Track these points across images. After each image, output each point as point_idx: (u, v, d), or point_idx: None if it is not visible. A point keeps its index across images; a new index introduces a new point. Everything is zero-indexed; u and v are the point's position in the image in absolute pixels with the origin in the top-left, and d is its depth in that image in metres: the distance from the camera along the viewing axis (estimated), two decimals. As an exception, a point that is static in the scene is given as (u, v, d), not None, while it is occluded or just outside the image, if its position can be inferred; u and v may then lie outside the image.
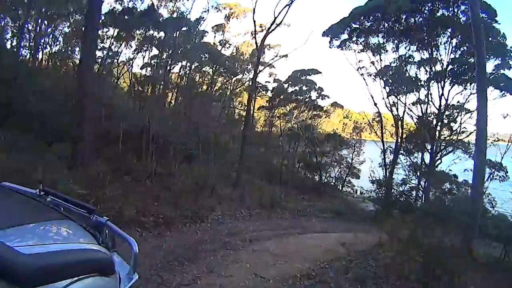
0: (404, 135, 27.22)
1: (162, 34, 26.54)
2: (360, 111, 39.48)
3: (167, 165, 19.29)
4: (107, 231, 3.20)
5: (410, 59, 26.87)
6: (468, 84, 24.50)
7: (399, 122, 27.52)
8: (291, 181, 32.21)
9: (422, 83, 26.33)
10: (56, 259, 2.27)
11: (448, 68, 25.05)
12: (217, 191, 18.73)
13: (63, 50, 28.92)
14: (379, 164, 28.08)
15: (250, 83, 34.43)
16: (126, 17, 25.08)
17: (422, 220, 16.16)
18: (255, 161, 32.43)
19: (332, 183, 35.85)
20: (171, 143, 19.45)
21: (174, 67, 29.12)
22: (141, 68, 30.42)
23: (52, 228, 2.82)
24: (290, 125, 36.44)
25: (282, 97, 35.86)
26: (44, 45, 27.83)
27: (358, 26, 28.52)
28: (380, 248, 12.84)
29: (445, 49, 25.38)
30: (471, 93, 23.85)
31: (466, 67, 24.49)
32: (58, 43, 28.53)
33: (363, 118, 35.74)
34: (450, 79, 25.35)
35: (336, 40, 29.53)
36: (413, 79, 26.38)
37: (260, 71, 30.38)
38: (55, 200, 3.34)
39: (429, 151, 25.76)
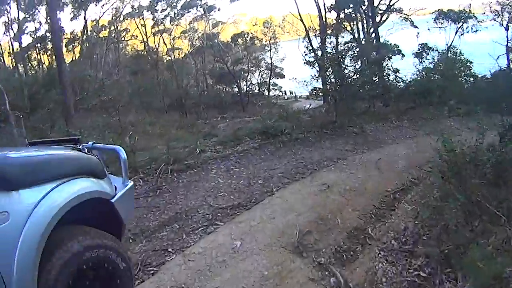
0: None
1: None
2: (267, 16, 31.70)
3: None
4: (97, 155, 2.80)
5: None
6: None
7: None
8: (206, 103, 24.66)
9: None
10: (44, 159, 2.19)
11: None
12: None
13: None
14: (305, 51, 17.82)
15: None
16: None
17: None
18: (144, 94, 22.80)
19: (257, 91, 28.30)
20: None
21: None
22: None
23: (43, 148, 2.84)
24: (193, 42, 29.25)
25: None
26: None
27: None
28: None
29: None
30: None
31: None
32: None
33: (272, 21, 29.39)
34: None
35: None
36: None
37: None
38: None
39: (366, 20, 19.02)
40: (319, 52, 14.46)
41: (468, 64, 14.15)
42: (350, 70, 11.71)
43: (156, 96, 23.95)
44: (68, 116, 13.35)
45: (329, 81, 11.39)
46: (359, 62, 12.47)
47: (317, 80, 11.91)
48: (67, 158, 2.31)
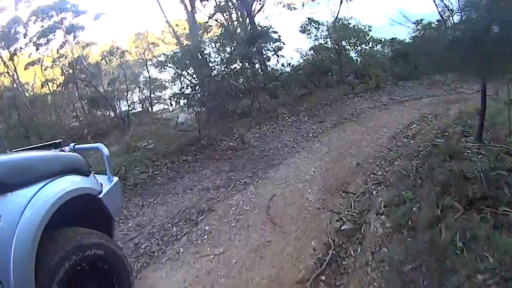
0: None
1: None
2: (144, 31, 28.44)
3: None
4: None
5: None
6: None
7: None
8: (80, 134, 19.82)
9: None
10: (31, 161, 2.13)
11: None
12: None
13: None
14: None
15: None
16: None
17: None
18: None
19: (140, 109, 23.71)
20: None
21: None
22: None
23: (27, 151, 2.71)
24: (63, 70, 24.37)
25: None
26: None
27: None
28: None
29: None
30: None
31: None
32: None
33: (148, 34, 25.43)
34: None
35: None
36: None
37: None
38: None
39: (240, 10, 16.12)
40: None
41: (364, 30, 11.46)
42: (216, 62, 8.38)
43: (20, 139, 19.40)
44: None
45: (188, 82, 7.91)
46: (227, 50, 9.16)
47: (173, 83, 8.40)
48: (51, 158, 2.27)
